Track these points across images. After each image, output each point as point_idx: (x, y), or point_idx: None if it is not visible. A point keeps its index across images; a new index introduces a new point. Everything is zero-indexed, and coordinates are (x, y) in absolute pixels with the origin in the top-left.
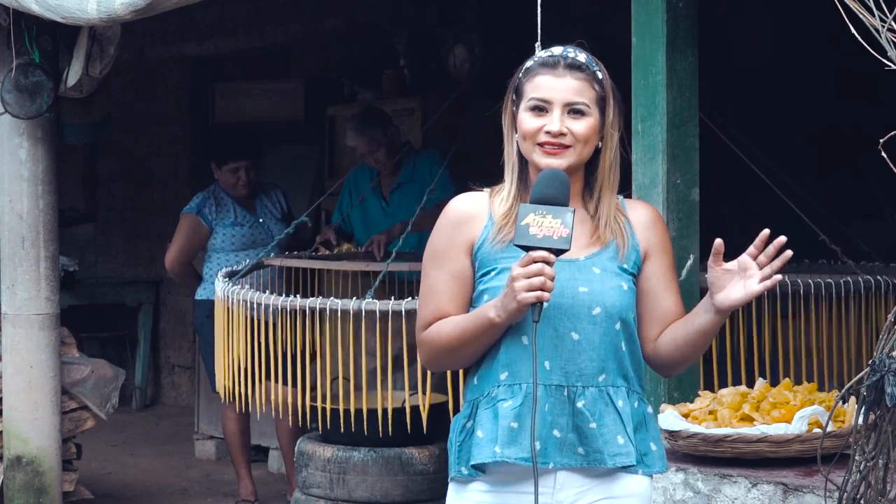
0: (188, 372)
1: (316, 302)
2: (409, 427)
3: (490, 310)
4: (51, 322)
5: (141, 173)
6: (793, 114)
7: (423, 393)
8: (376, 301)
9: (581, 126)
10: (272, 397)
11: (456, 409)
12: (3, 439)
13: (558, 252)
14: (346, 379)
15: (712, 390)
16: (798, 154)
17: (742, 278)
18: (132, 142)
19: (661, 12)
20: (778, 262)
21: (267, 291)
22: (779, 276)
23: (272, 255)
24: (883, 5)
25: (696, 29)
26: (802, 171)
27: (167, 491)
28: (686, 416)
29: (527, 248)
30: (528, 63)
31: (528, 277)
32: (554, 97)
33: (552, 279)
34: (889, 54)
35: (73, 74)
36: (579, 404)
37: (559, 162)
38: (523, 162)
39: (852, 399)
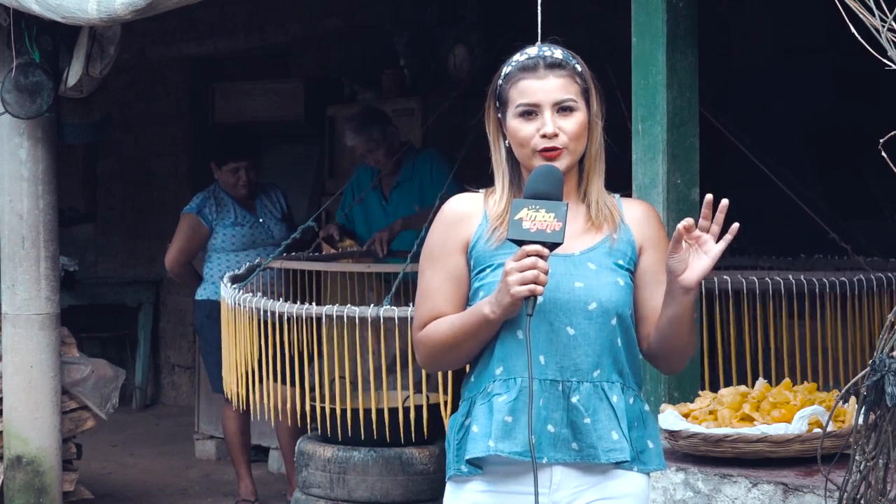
0: (188, 372)
1: (333, 309)
2: (415, 428)
3: (485, 306)
4: (51, 322)
5: (141, 173)
6: (793, 114)
7: (424, 392)
8: (394, 308)
9: (572, 123)
10: (274, 398)
11: (455, 409)
12: (3, 439)
13: (552, 246)
14: (345, 378)
15: (712, 390)
16: (798, 154)
17: (696, 250)
18: (132, 142)
19: (661, 12)
20: (720, 216)
21: (271, 295)
22: (732, 232)
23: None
24: (883, 5)
25: (696, 29)
26: (802, 171)
27: (167, 491)
28: (686, 416)
29: (520, 243)
30: (506, 69)
31: (522, 271)
32: (541, 99)
33: (546, 273)
34: (889, 54)
35: (74, 74)
36: (574, 399)
37: (557, 164)
38: (515, 166)
39: (852, 399)
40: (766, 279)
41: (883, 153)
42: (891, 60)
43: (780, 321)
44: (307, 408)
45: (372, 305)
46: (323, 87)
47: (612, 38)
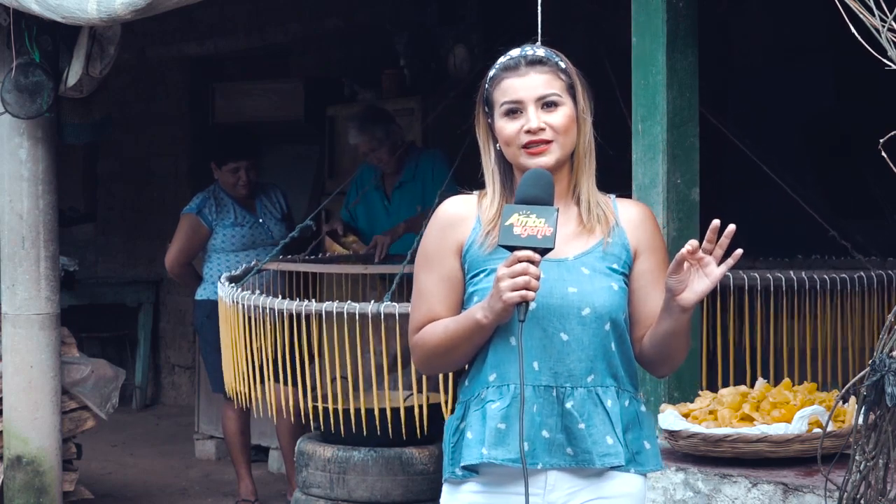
0: (188, 372)
1: (333, 306)
2: (416, 427)
3: (477, 311)
4: (51, 322)
5: (141, 173)
6: (793, 114)
7: (424, 392)
8: (395, 304)
9: (558, 117)
10: (274, 398)
11: (453, 410)
12: (3, 439)
13: (543, 251)
14: (345, 378)
15: (712, 390)
16: (798, 154)
17: (698, 272)
18: (132, 142)
19: (661, 12)
20: (725, 240)
21: (270, 294)
22: (735, 258)
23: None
24: (883, 5)
25: (696, 29)
26: (802, 171)
27: (167, 491)
28: (686, 416)
29: (511, 249)
30: (491, 72)
31: (513, 277)
32: (524, 96)
33: (537, 278)
34: (889, 54)
35: (74, 74)
36: (568, 405)
37: (546, 160)
38: (506, 168)
39: (852, 399)
40: (768, 275)
41: (883, 153)
42: (891, 60)
43: (780, 321)
44: (309, 407)
45: (373, 302)
46: (323, 87)
47: (612, 38)
